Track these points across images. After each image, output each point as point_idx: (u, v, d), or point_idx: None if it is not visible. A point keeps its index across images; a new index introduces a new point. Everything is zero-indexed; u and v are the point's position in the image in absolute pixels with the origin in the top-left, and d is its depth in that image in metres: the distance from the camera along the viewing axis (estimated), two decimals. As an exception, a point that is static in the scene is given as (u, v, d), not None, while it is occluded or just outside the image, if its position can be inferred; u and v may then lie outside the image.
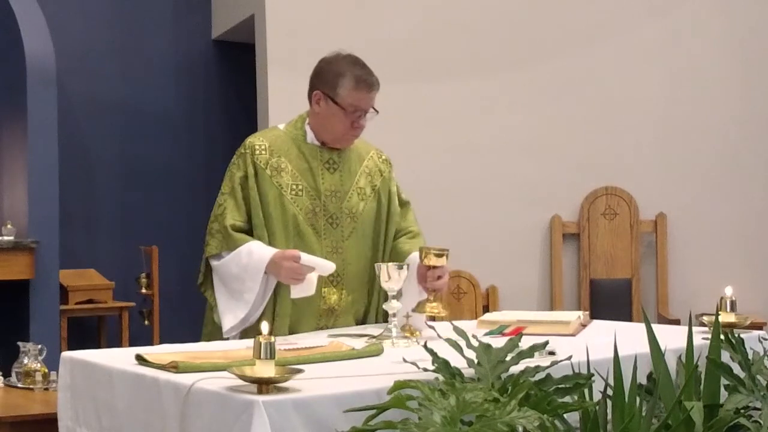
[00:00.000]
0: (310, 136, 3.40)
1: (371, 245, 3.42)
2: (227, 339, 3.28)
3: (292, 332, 3.28)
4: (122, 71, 7.60)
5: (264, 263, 3.20)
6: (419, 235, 3.50)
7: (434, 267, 3.21)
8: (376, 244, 3.43)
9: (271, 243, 3.28)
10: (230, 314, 3.28)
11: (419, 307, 3.21)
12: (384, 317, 3.31)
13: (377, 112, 3.37)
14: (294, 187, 3.33)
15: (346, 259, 3.35)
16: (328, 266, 3.21)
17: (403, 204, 3.57)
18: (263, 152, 3.35)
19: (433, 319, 3.23)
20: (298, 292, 3.23)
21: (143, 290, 7.34)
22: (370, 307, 3.45)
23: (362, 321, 3.46)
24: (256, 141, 3.38)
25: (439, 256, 3.21)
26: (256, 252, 3.23)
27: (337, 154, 3.40)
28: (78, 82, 7.38)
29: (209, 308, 3.41)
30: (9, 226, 6.44)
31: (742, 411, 2.52)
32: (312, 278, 3.21)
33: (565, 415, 2.34)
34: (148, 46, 7.66)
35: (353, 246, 3.37)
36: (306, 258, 3.18)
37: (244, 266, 3.23)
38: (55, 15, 7.04)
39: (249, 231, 3.32)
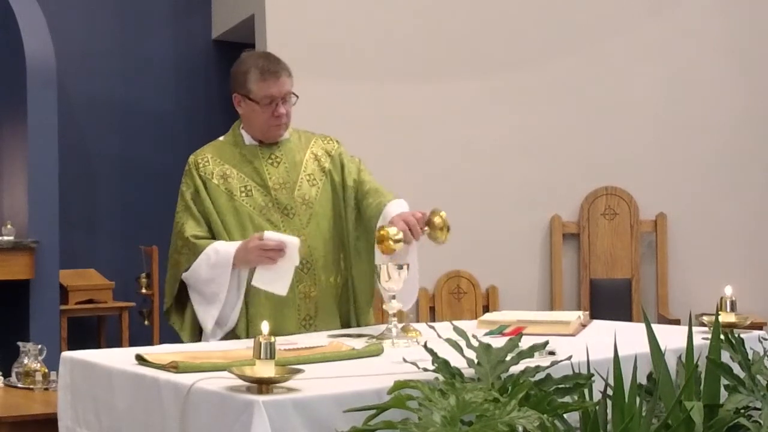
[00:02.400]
0: (247, 138, 3.47)
1: (333, 226, 3.44)
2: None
3: (274, 332, 3.26)
4: (122, 71, 7.60)
5: (231, 255, 3.25)
6: (378, 190, 3.48)
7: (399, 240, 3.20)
8: (338, 224, 3.46)
9: None
10: (209, 319, 3.31)
11: (432, 234, 3.21)
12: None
13: (297, 96, 3.42)
14: (243, 188, 3.39)
15: (311, 245, 3.37)
16: (293, 242, 3.19)
17: (359, 165, 3.58)
18: (207, 164, 3.43)
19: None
20: (261, 280, 3.20)
21: (143, 290, 7.34)
22: (348, 288, 3.45)
23: (346, 309, 3.46)
24: (198, 156, 3.47)
25: (397, 241, 3.19)
26: (222, 249, 3.28)
27: (277, 149, 3.46)
28: (78, 82, 7.38)
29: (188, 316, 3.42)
30: (9, 226, 6.44)
31: (742, 411, 2.52)
32: (284, 271, 3.19)
33: (565, 415, 2.34)
34: (148, 46, 7.67)
35: (315, 232, 3.40)
36: (269, 233, 3.20)
37: (213, 265, 3.28)
38: (55, 15, 7.04)
39: (212, 239, 3.36)
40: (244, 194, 3.38)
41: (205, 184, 3.40)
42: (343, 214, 3.47)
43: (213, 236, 3.36)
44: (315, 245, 3.39)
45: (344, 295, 3.47)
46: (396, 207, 3.38)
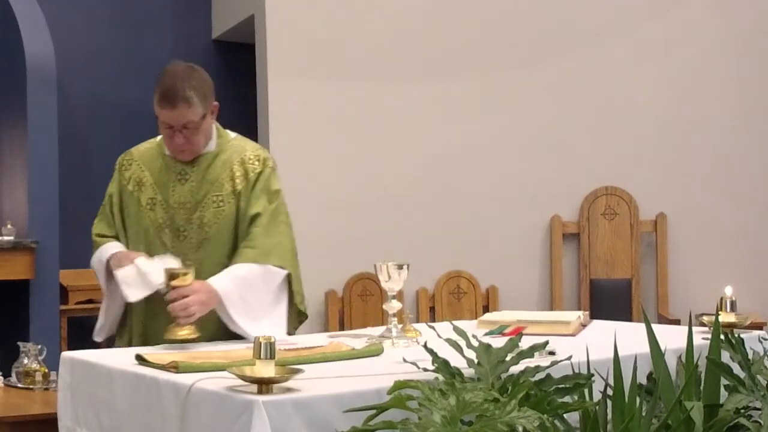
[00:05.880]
0: (167, 148, 3.34)
1: (228, 253, 3.27)
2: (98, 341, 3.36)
3: (145, 344, 3.20)
4: (122, 71, 7.59)
5: (107, 256, 3.27)
6: (256, 247, 3.21)
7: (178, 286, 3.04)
8: (232, 252, 3.28)
9: None
10: (100, 312, 3.40)
11: (168, 332, 2.98)
12: None
13: (194, 128, 3.20)
14: (150, 201, 3.32)
15: (197, 269, 3.17)
16: (156, 278, 3.11)
17: (270, 200, 3.31)
18: (129, 167, 3.39)
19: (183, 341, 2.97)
20: (125, 276, 3.15)
21: (143, 290, 7.32)
22: None
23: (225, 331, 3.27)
24: (126, 156, 3.44)
25: (184, 274, 3.04)
26: (106, 249, 3.32)
27: (190, 166, 3.30)
28: (78, 82, 7.38)
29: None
30: (9, 226, 6.43)
31: (742, 411, 2.52)
32: (147, 284, 3.12)
33: (565, 415, 2.34)
34: (148, 46, 7.66)
35: (204, 256, 3.25)
36: (142, 261, 3.15)
37: (97, 261, 3.34)
38: (55, 15, 7.03)
39: (118, 238, 3.40)
40: (148, 207, 3.31)
41: (122, 188, 3.38)
42: (237, 243, 3.29)
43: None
44: (201, 270, 3.19)
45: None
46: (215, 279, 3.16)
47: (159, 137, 3.40)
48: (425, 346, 2.45)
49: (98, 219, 3.47)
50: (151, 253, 3.24)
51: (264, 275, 3.18)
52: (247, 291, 3.13)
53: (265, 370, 2.23)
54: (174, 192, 3.29)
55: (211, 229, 3.26)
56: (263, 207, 3.27)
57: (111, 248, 3.31)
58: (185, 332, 2.91)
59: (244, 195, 3.27)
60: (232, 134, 3.41)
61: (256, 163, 3.32)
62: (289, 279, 3.24)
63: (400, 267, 3.08)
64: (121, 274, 3.17)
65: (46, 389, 4.03)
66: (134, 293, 3.15)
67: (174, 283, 2.99)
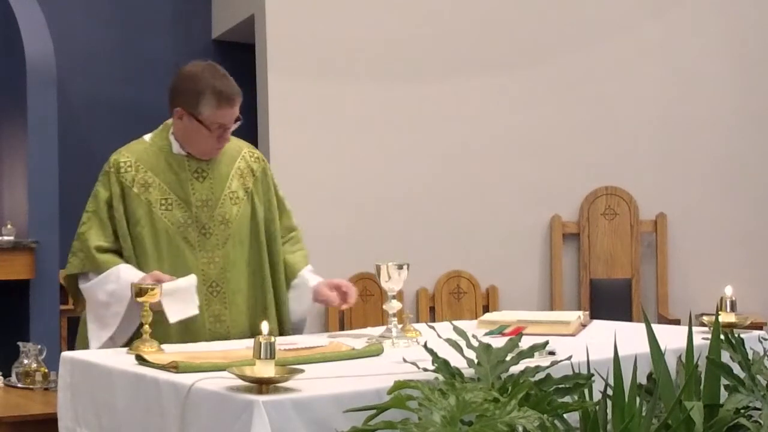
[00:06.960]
0: (176, 147, 3.30)
1: (250, 249, 3.32)
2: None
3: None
4: (122, 71, 7.59)
5: (129, 287, 3.07)
6: (300, 241, 3.55)
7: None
8: (255, 248, 3.33)
9: (141, 264, 3.19)
10: (95, 340, 3.18)
11: (134, 349, 2.82)
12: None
13: (241, 120, 3.27)
14: (164, 201, 3.24)
15: (224, 267, 3.25)
16: (190, 284, 3.10)
17: (281, 201, 3.50)
18: (129, 169, 3.27)
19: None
20: (174, 314, 3.07)
21: (143, 290, 7.31)
22: (267, 315, 3.29)
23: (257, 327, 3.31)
24: (121, 158, 3.31)
25: (152, 290, 2.92)
26: (124, 278, 3.13)
27: (205, 162, 3.30)
28: (78, 82, 7.38)
29: (82, 323, 3.31)
30: (9, 226, 6.43)
31: (742, 411, 2.52)
32: (187, 294, 3.09)
33: (565, 415, 2.34)
34: (148, 46, 7.66)
35: (230, 253, 3.27)
36: (166, 285, 3.01)
37: (110, 292, 3.15)
38: (55, 15, 7.03)
39: (117, 251, 3.24)
40: (164, 207, 3.23)
41: (124, 191, 3.24)
42: (261, 239, 3.34)
43: (119, 248, 3.23)
44: (228, 268, 3.26)
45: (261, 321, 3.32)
46: (312, 277, 3.44)
47: (147, 136, 3.39)
48: (425, 346, 2.45)
49: (89, 227, 3.25)
50: (172, 254, 3.20)
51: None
52: None
53: (265, 370, 2.23)
54: (194, 190, 3.27)
55: (232, 225, 3.30)
56: (288, 212, 3.52)
57: (123, 273, 3.15)
58: (152, 349, 2.85)
59: (256, 194, 3.38)
60: None
61: (258, 161, 3.45)
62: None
63: (400, 267, 3.08)
64: (174, 317, 3.08)
65: (46, 389, 4.03)
66: (193, 307, 3.10)
67: (142, 299, 2.89)
